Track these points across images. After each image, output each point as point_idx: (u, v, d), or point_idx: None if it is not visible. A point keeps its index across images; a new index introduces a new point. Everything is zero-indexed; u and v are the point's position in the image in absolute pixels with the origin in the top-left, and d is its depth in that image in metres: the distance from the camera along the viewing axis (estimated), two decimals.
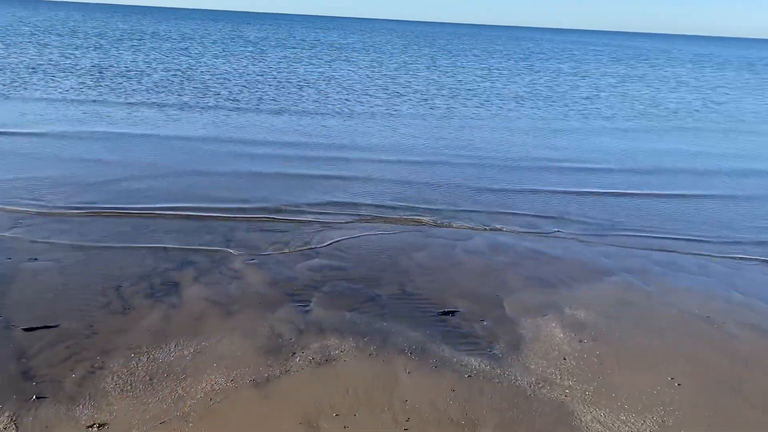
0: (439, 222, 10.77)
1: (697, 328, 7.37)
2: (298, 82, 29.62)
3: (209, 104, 21.38)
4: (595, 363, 6.48)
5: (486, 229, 10.56)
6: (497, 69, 44.34)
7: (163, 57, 38.15)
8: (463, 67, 44.38)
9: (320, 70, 36.48)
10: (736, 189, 13.91)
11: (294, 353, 6.32)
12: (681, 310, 7.86)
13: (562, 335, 7.04)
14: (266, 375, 5.91)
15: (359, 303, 7.56)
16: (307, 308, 7.32)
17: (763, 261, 9.79)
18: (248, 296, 7.56)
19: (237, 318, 7.02)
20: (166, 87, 24.98)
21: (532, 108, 25.19)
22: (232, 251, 8.91)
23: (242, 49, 50.20)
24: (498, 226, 10.73)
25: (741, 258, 9.88)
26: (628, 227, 10.99)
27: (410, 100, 25.68)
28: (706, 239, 10.61)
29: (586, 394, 5.89)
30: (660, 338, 7.09)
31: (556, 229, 10.70)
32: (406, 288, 8.09)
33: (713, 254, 9.93)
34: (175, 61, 36.18)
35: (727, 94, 35.17)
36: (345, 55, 50.03)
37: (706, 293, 8.44)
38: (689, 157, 17.09)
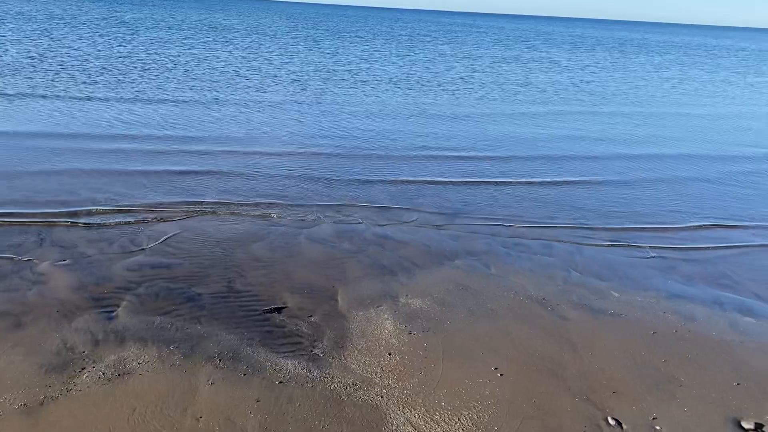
0: (286, 213, 10.20)
1: (530, 312, 7.21)
2: (167, 64, 28.01)
3: (59, 90, 19.62)
4: (421, 356, 6.14)
5: (335, 218, 10.09)
6: (379, 50, 44.06)
7: (21, 38, 35.16)
8: (346, 49, 43.77)
9: (194, 51, 34.82)
10: (589, 174, 13.89)
11: (83, 369, 5.58)
12: (518, 292, 7.70)
13: (392, 328, 6.67)
14: (42, 397, 5.15)
15: (176, 305, 6.88)
16: (113, 314, 6.56)
17: (610, 243, 9.85)
18: (47, 304, 6.70)
19: (26, 330, 6.17)
20: (15, 71, 22.86)
21: (406, 89, 24.99)
22: (40, 254, 7.96)
23: (114, 30, 47.18)
24: (349, 215, 10.29)
25: (588, 244, 9.91)
26: (481, 213, 10.75)
27: (283, 82, 24.84)
28: (554, 224, 10.60)
29: (404, 393, 5.53)
30: (492, 324, 6.86)
31: (414, 218, 10.35)
32: (234, 284, 7.48)
33: (560, 238, 9.88)
34: (33, 42, 33.40)
35: (595, 73, 36.48)
36: (224, 37, 48.16)
37: (546, 274, 8.35)
38: (549, 141, 17.09)
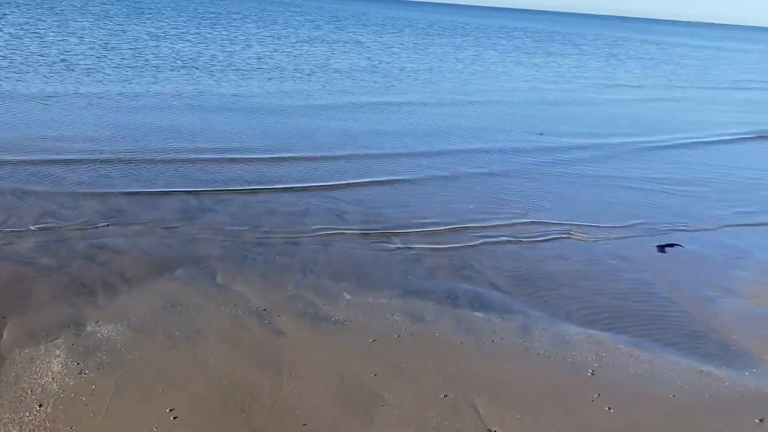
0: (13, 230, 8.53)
1: (243, 329, 6.33)
2: None
3: None
4: (82, 404, 5.02)
5: (44, 229, 8.58)
6: (177, 28, 41.22)
7: None
8: (139, 25, 40.41)
9: None
10: (361, 174, 13.02)
11: None
12: (237, 305, 6.80)
13: (59, 368, 5.46)
14: None
15: None
16: None
17: (362, 243, 9.26)
18: None
19: None
20: None
21: (192, 69, 23.26)
22: None
23: None
24: (69, 226, 8.83)
25: (337, 246, 9.24)
26: (228, 218, 9.36)
27: (47, 63, 21.90)
28: (308, 229, 9.83)
29: None
30: (190, 351, 5.89)
31: (147, 226, 9.09)
32: None
33: (310, 243, 9.07)
34: None
35: (395, 54, 36.71)
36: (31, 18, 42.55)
37: (278, 279, 7.53)
38: (327, 135, 15.54)
